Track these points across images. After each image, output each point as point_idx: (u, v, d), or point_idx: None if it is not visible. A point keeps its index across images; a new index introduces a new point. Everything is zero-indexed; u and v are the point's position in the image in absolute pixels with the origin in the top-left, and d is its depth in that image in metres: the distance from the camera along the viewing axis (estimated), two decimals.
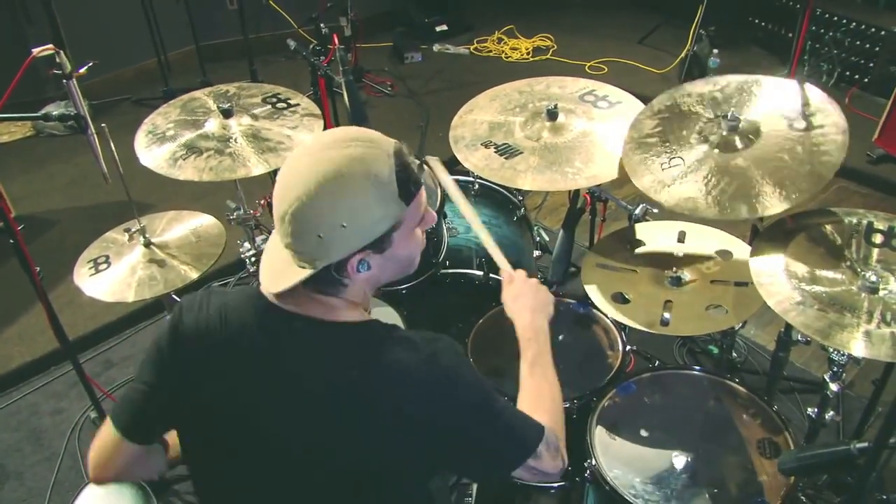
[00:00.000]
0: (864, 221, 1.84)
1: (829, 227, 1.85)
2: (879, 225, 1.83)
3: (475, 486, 2.12)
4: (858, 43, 4.44)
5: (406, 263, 1.29)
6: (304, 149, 1.19)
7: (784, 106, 1.94)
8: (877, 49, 4.37)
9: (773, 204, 1.76)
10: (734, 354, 2.81)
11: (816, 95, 1.94)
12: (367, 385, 1.18)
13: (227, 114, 2.28)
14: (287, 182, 1.16)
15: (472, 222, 1.84)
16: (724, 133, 1.91)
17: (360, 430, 1.19)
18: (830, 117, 1.87)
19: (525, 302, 1.58)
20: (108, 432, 1.32)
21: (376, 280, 1.27)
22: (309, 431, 1.21)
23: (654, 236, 2.24)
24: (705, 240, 2.20)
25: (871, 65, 4.44)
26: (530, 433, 1.29)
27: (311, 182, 1.12)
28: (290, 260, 1.19)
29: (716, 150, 1.92)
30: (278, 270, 1.20)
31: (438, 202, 2.35)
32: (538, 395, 1.43)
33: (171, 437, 1.40)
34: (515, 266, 2.57)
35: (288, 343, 1.21)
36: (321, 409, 1.20)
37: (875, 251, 1.78)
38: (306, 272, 1.17)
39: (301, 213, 1.13)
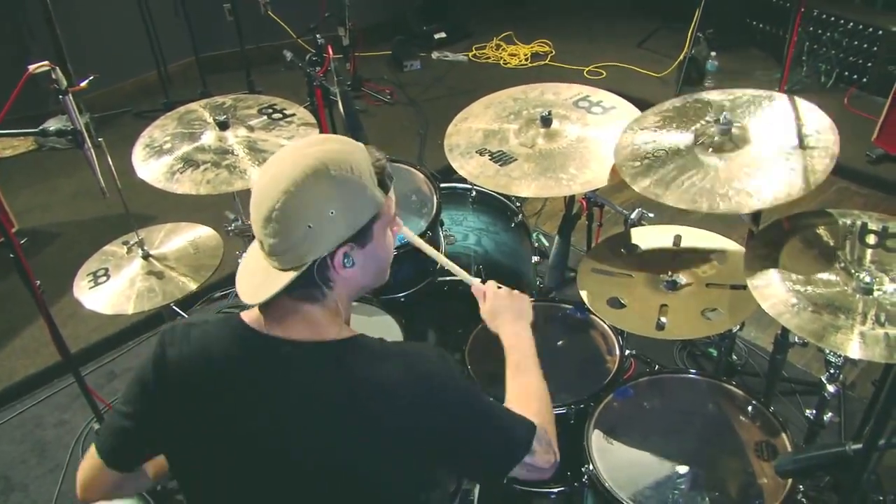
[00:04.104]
0: (858, 222, 1.85)
1: (823, 229, 1.85)
2: (873, 226, 1.83)
3: (476, 494, 2.13)
4: (856, 43, 4.44)
5: (383, 265, 1.32)
6: (280, 154, 1.23)
7: (782, 121, 1.95)
8: (875, 49, 4.37)
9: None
10: (734, 357, 2.81)
11: (814, 116, 1.95)
12: (359, 403, 1.19)
13: (223, 126, 2.29)
14: (268, 184, 1.18)
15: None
16: (717, 137, 1.92)
17: (358, 447, 1.21)
18: (824, 139, 1.87)
19: (504, 316, 1.62)
20: (92, 457, 1.34)
21: (356, 283, 1.29)
22: (307, 451, 1.23)
23: (650, 240, 2.24)
24: (701, 243, 2.21)
25: (870, 64, 4.44)
26: (523, 431, 1.33)
27: (297, 174, 1.16)
28: (271, 270, 1.20)
29: (700, 147, 1.93)
30: (259, 282, 1.21)
31: (434, 210, 2.36)
32: (525, 395, 1.46)
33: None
34: (514, 272, 2.61)
35: (275, 371, 1.22)
36: (316, 431, 1.21)
37: (869, 252, 1.78)
38: (291, 275, 1.17)
39: (289, 205, 1.15)
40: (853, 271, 1.73)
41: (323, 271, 1.20)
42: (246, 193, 2.29)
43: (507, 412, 1.35)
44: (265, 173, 1.21)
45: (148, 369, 1.26)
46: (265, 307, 1.24)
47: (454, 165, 2.19)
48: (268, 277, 1.20)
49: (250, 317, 1.26)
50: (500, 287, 1.70)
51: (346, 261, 1.21)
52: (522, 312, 1.64)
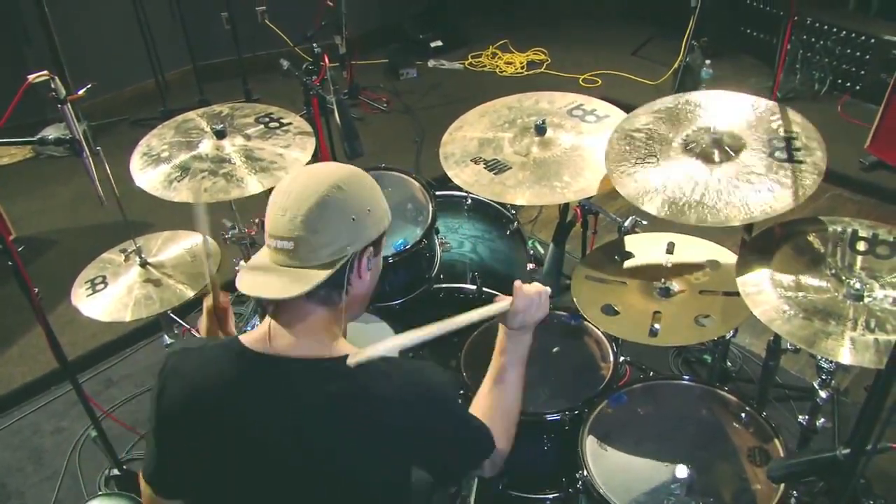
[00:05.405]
0: (849, 230, 1.87)
1: (814, 236, 1.87)
2: (863, 233, 1.85)
3: (473, 497, 2.13)
4: (849, 51, 4.47)
5: (375, 281, 1.39)
6: (309, 167, 1.32)
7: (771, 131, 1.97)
8: (867, 56, 4.40)
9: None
10: (728, 363, 2.83)
11: (805, 127, 1.96)
12: (359, 412, 1.26)
13: (220, 135, 2.31)
14: (306, 183, 1.25)
15: None
16: (705, 145, 1.94)
17: (357, 451, 1.27)
18: (814, 154, 1.88)
19: (521, 319, 1.62)
20: (144, 486, 1.41)
21: (363, 295, 1.37)
22: (306, 456, 1.28)
23: (644, 248, 2.26)
24: (694, 250, 2.22)
25: (863, 72, 4.47)
26: (488, 441, 1.46)
27: (342, 174, 1.27)
28: (295, 272, 1.24)
29: (696, 160, 1.94)
30: (287, 281, 1.24)
31: (430, 218, 2.38)
32: (494, 411, 1.53)
33: None
34: (509, 279, 2.61)
35: (277, 388, 1.27)
36: (316, 439, 1.26)
37: (859, 259, 1.80)
38: (325, 274, 1.22)
39: (337, 198, 1.24)
40: (844, 278, 1.75)
41: (350, 272, 1.27)
42: (242, 202, 2.32)
43: (480, 422, 1.47)
44: (295, 181, 1.27)
45: (152, 403, 1.32)
46: (278, 309, 1.29)
47: (449, 174, 2.20)
48: (299, 276, 1.23)
49: (249, 339, 1.30)
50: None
51: (369, 263, 1.30)
52: (532, 321, 1.63)
